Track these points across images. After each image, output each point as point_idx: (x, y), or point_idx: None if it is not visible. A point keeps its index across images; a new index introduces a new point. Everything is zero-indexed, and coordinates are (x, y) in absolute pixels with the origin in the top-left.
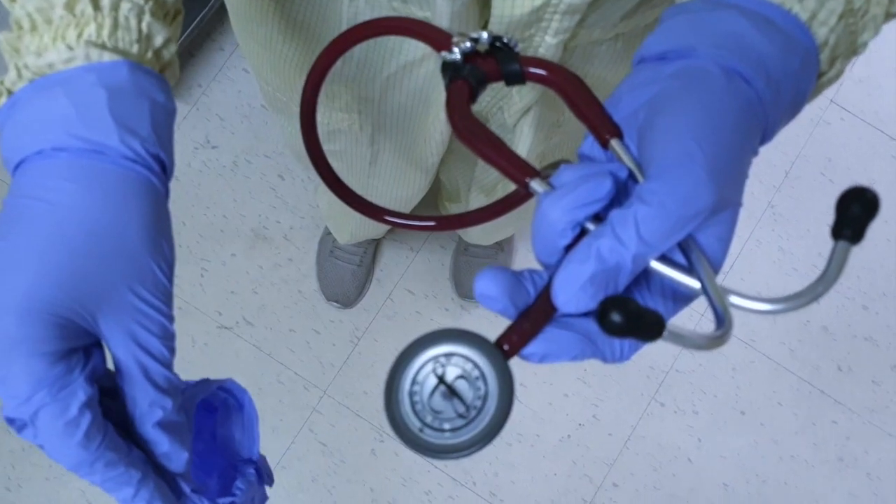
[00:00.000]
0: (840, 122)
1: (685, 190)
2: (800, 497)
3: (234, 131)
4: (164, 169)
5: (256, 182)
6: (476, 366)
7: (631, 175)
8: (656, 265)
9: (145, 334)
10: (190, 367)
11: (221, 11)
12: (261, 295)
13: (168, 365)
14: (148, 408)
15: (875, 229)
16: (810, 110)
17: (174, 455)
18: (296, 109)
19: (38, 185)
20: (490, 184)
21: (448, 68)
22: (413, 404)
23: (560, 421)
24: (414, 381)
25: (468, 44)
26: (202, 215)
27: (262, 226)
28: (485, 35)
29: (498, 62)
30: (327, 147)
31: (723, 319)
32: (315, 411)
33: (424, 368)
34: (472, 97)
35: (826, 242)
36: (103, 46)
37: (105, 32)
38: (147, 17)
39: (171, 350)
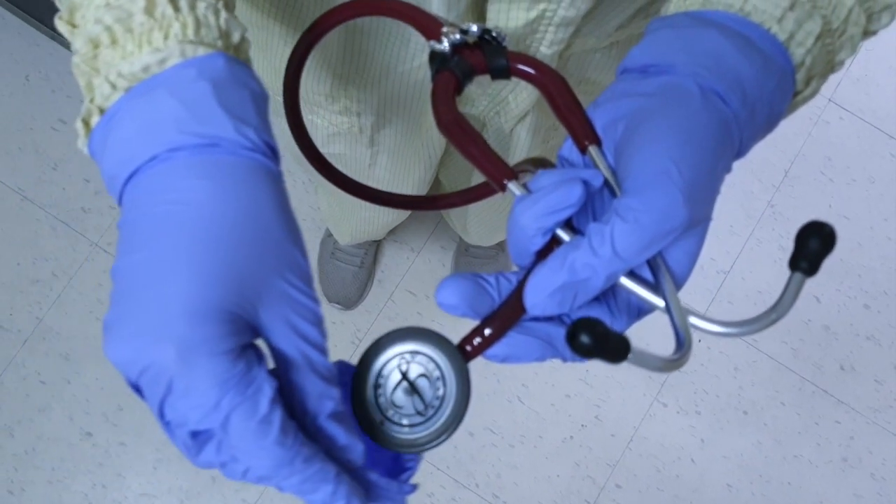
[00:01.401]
0: (839, 121)
1: (661, 208)
2: (803, 498)
3: None
4: (276, 155)
5: None
6: (438, 366)
7: (606, 183)
8: (625, 281)
9: (303, 323)
10: None
11: None
12: None
13: (326, 353)
14: (319, 399)
15: (876, 227)
16: (809, 109)
17: (352, 446)
18: None
19: (168, 189)
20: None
21: (436, 58)
22: (377, 397)
23: (562, 422)
24: (379, 375)
25: (458, 35)
26: None
27: None
28: (474, 27)
29: (485, 55)
30: (327, 150)
31: (683, 342)
32: None
33: (390, 363)
34: (458, 89)
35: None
36: (193, 42)
37: (190, 31)
38: (223, 14)
39: (325, 337)
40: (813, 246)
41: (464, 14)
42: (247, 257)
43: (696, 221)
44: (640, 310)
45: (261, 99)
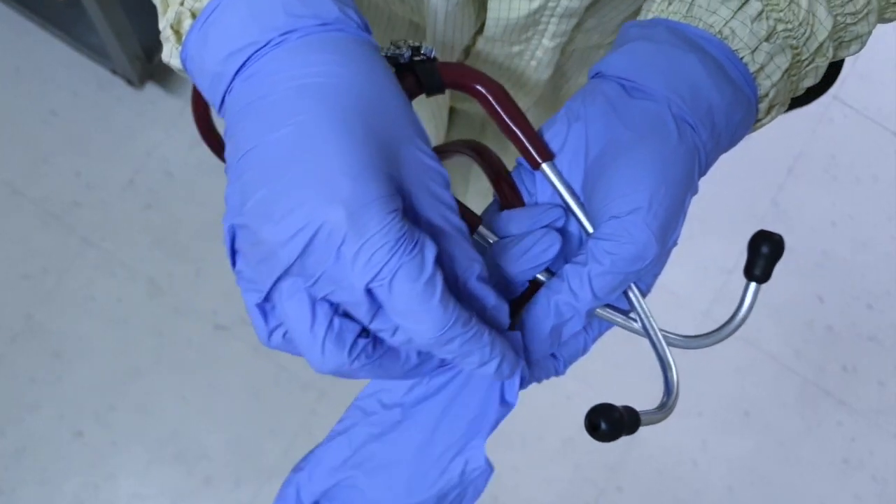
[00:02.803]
0: (843, 119)
1: (635, 252)
2: (805, 500)
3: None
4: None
5: None
6: None
7: (563, 201)
8: (602, 312)
9: (441, 189)
10: (186, 367)
11: None
12: None
13: (459, 215)
14: (468, 264)
15: (880, 226)
16: (813, 107)
17: (500, 307)
18: None
19: (296, 66)
20: (485, 188)
21: None
22: None
23: (562, 423)
24: None
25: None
26: (198, 213)
27: None
28: (406, 51)
29: (417, 76)
30: None
31: (671, 389)
32: (313, 413)
33: None
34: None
35: (830, 241)
36: None
37: None
38: None
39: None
40: (764, 254)
41: (463, 4)
42: (387, 124)
43: (666, 252)
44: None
45: None
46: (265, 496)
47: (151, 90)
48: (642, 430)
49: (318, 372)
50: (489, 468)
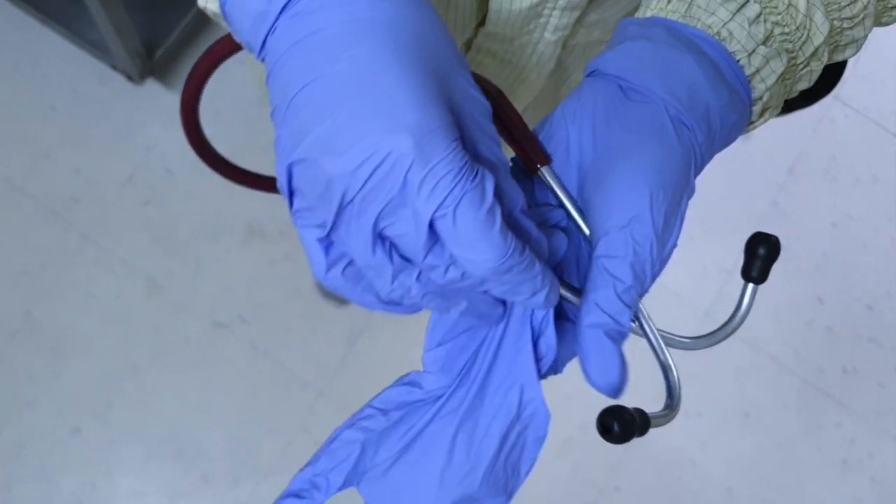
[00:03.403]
0: (844, 120)
1: (644, 261)
2: (804, 501)
3: (230, 125)
4: None
5: None
6: None
7: (559, 200)
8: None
9: (487, 123)
10: (184, 365)
11: None
12: (256, 292)
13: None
14: (514, 196)
15: (881, 227)
16: (814, 108)
17: (541, 238)
18: None
19: (347, 1)
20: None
21: None
22: None
23: (562, 423)
24: None
25: None
26: (196, 211)
27: (258, 221)
28: None
29: None
30: None
31: (674, 390)
32: (311, 411)
33: None
34: None
35: (830, 242)
36: None
37: None
38: None
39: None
40: (761, 255)
41: None
42: (440, 56)
43: (666, 255)
44: None
45: None
46: (263, 494)
47: (151, 86)
48: None
49: (377, 307)
50: (546, 409)
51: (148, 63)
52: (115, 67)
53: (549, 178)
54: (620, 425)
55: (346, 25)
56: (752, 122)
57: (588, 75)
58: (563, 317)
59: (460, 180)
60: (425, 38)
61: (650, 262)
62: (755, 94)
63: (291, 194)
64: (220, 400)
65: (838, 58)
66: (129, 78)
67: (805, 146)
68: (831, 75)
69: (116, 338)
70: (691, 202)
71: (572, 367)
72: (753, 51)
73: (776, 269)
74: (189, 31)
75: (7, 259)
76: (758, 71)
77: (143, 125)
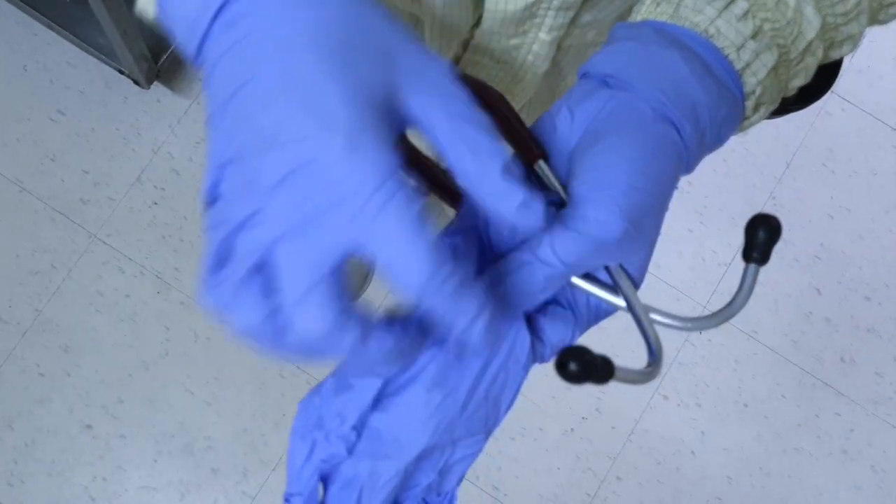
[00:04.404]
0: (841, 113)
1: (601, 220)
2: (804, 490)
3: None
4: None
5: None
6: None
7: (557, 196)
8: (579, 282)
9: (448, 84)
10: (193, 361)
11: None
12: None
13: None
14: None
15: (878, 219)
16: None
17: (531, 202)
18: None
19: (277, 3)
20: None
21: None
22: None
23: (563, 414)
24: None
25: None
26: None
27: None
28: None
29: None
30: None
31: (654, 352)
32: None
33: None
34: None
35: (828, 233)
36: None
37: None
38: None
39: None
40: (761, 237)
41: None
42: (374, 47)
43: (646, 242)
44: (607, 312)
45: None
46: (271, 487)
47: (158, 89)
48: (642, 421)
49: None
50: (527, 334)
51: (154, 67)
52: (121, 71)
53: (546, 172)
54: (578, 364)
55: (276, 29)
56: (746, 118)
57: (580, 78)
58: (555, 301)
59: (390, 178)
60: (355, 32)
61: (604, 228)
62: (747, 89)
63: (213, 202)
64: (229, 395)
65: (835, 54)
66: (136, 82)
67: (803, 140)
68: (825, 78)
69: (126, 335)
70: (690, 196)
71: None
72: (742, 45)
73: (775, 260)
74: None
75: (17, 259)
76: (748, 65)
77: (150, 127)
